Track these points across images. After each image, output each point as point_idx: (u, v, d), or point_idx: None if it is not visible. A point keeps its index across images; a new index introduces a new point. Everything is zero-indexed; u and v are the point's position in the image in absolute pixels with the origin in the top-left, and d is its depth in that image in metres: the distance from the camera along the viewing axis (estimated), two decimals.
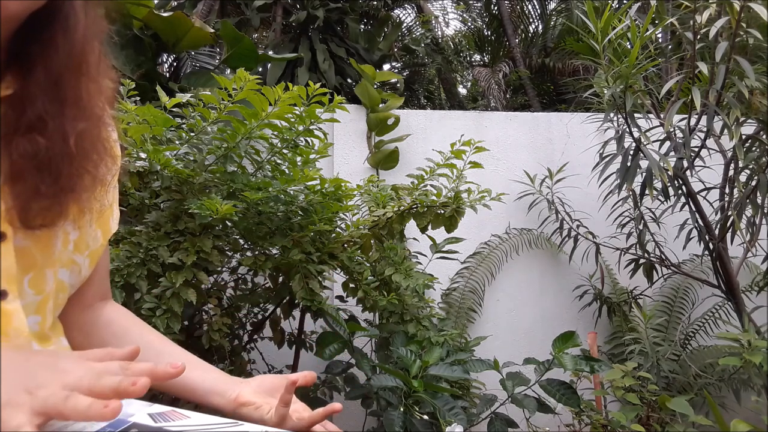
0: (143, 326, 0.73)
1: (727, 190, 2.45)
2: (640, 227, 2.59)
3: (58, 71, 0.50)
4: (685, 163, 2.36)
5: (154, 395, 1.59)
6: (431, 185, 1.94)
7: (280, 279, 1.90)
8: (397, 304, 1.85)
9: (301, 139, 1.73)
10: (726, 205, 2.40)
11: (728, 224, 2.33)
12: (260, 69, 5.73)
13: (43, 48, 0.49)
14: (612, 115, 2.54)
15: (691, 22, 2.20)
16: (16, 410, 0.38)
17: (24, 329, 0.53)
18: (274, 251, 1.76)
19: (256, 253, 1.74)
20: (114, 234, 0.68)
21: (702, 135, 2.37)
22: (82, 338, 0.68)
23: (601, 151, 2.58)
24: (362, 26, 6.96)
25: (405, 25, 8.59)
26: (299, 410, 0.66)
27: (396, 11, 8.18)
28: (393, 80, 6.77)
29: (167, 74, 3.84)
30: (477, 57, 9.45)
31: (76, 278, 0.61)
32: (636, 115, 2.41)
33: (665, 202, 2.55)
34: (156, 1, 4.89)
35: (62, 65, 0.50)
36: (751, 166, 2.35)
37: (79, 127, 0.52)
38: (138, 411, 0.52)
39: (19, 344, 0.53)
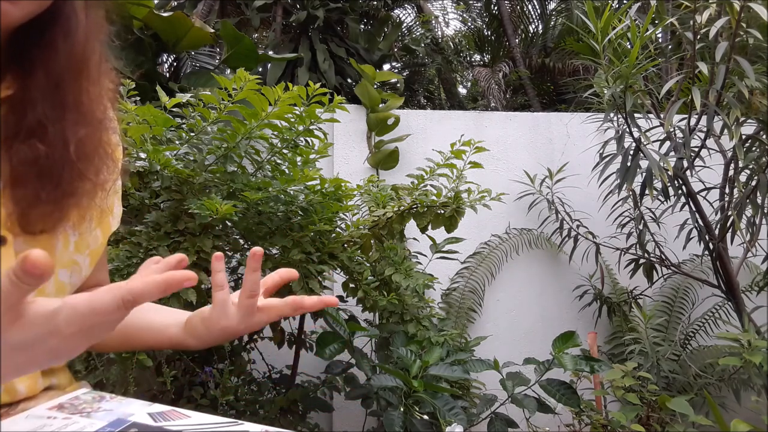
0: None
1: (727, 190, 2.45)
2: (640, 227, 2.59)
3: (59, 74, 0.49)
4: (685, 163, 2.36)
5: (154, 395, 1.60)
6: (431, 185, 1.94)
7: None
8: (397, 304, 1.85)
9: (301, 139, 1.73)
10: (726, 205, 2.40)
11: (728, 224, 2.33)
12: (260, 69, 5.73)
13: (44, 50, 0.49)
14: (612, 115, 2.54)
15: (691, 22, 2.20)
16: None
17: None
18: (274, 251, 1.76)
19: None
20: (114, 234, 0.67)
21: (702, 135, 2.37)
22: None
23: (601, 151, 2.58)
24: (362, 26, 6.96)
25: (405, 25, 8.59)
26: (271, 303, 0.59)
27: (396, 11, 8.17)
28: (393, 80, 6.77)
29: (167, 74, 3.84)
30: (477, 57, 9.46)
31: (77, 278, 0.61)
32: (636, 115, 2.41)
33: (665, 202, 2.55)
34: (156, 1, 4.89)
35: (63, 68, 0.49)
36: (751, 166, 2.35)
37: (80, 132, 0.51)
38: (138, 411, 0.53)
39: None
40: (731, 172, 2.43)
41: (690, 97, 2.16)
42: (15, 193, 0.49)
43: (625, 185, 2.36)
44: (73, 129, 0.50)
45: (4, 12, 0.44)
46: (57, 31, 0.49)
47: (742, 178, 2.36)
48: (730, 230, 2.35)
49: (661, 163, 2.25)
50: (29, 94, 0.49)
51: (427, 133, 3.05)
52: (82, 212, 0.55)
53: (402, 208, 1.82)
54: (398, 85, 6.93)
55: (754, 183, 2.28)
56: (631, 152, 2.35)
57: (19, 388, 0.53)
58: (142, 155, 1.52)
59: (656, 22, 2.58)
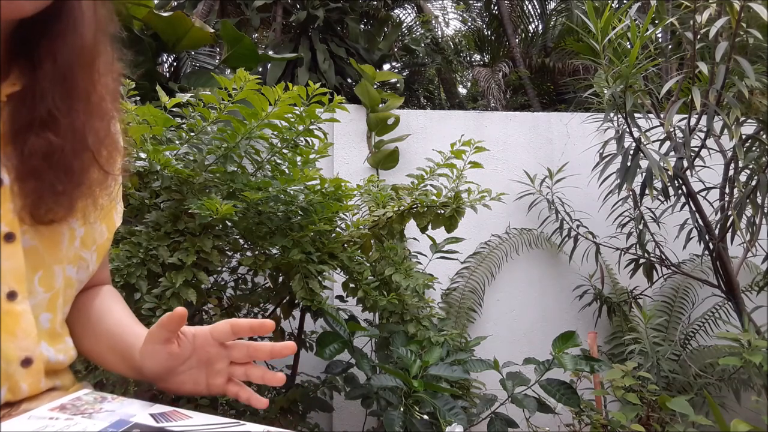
0: (104, 313, 0.66)
1: (727, 190, 2.44)
2: (640, 227, 2.59)
3: (68, 65, 0.50)
4: (685, 163, 2.36)
5: (154, 395, 1.60)
6: (431, 185, 1.94)
7: (280, 279, 1.90)
8: (397, 304, 1.85)
9: (301, 139, 1.73)
10: (726, 205, 2.40)
11: (728, 224, 2.33)
12: (260, 69, 5.73)
13: (52, 41, 0.50)
14: (612, 115, 2.54)
15: (691, 22, 2.20)
16: None
17: (32, 330, 0.53)
18: (274, 251, 1.76)
19: (256, 253, 1.74)
20: (114, 233, 0.68)
21: (702, 135, 2.37)
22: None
23: (601, 151, 2.58)
24: (362, 26, 6.96)
25: (405, 25, 8.59)
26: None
27: (396, 11, 8.17)
28: (393, 80, 6.76)
29: (167, 74, 3.84)
30: (477, 57, 9.45)
31: (84, 273, 0.61)
32: (636, 115, 2.41)
33: (665, 202, 2.55)
34: (156, 1, 4.89)
35: (71, 59, 0.50)
36: (751, 166, 2.35)
37: (90, 122, 0.52)
38: (139, 411, 0.52)
39: (26, 345, 0.53)
40: (731, 172, 2.43)
41: (690, 97, 2.16)
42: (26, 184, 0.49)
43: (625, 185, 2.36)
44: (83, 119, 0.51)
45: (17, 6, 0.45)
46: (65, 23, 0.50)
47: (742, 178, 2.36)
48: (730, 230, 2.35)
49: (661, 163, 2.25)
50: (38, 85, 0.49)
51: (427, 133, 3.05)
52: (90, 201, 0.55)
53: (402, 208, 1.82)
54: (398, 85, 6.93)
55: (754, 183, 2.28)
56: (631, 152, 2.35)
57: (22, 386, 0.53)
58: (142, 155, 1.52)
59: (656, 22, 2.58)
